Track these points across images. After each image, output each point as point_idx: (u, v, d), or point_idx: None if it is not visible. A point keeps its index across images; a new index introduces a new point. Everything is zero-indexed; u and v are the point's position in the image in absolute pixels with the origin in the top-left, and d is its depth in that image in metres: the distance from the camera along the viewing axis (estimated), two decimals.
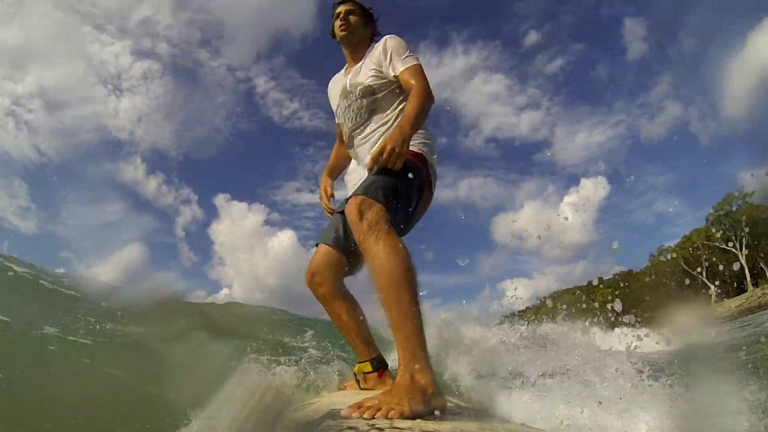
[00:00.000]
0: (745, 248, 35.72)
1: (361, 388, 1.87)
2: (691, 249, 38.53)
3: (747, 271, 35.34)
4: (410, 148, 1.54)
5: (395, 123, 1.69)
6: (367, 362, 1.85)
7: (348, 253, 1.81)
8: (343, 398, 1.57)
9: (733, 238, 36.75)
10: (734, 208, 37.71)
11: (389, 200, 1.40)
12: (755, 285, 34.70)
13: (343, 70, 1.96)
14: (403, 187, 1.49)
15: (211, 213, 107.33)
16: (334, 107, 1.94)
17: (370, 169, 1.46)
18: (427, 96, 1.60)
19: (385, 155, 1.41)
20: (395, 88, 1.74)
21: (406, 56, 1.70)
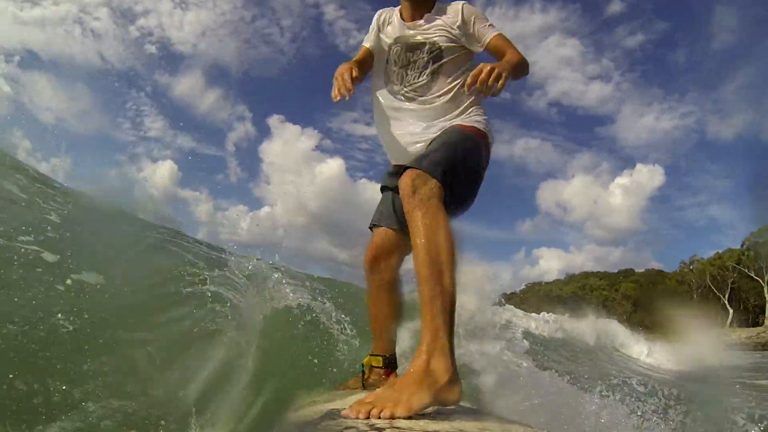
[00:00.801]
0: None
1: (363, 384, 1.79)
2: (720, 268, 38.56)
3: None
4: (474, 125, 1.53)
5: (458, 92, 1.61)
6: (380, 357, 1.79)
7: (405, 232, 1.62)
8: (343, 398, 1.55)
9: (764, 269, 36.20)
10: None
11: (446, 177, 1.32)
12: None
13: (398, 13, 1.76)
14: (463, 165, 1.42)
15: (264, 132, 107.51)
16: (381, 43, 1.76)
17: (469, 86, 1.35)
18: (526, 61, 1.56)
19: (484, 74, 1.29)
20: (459, 57, 1.66)
21: (490, 24, 1.65)
